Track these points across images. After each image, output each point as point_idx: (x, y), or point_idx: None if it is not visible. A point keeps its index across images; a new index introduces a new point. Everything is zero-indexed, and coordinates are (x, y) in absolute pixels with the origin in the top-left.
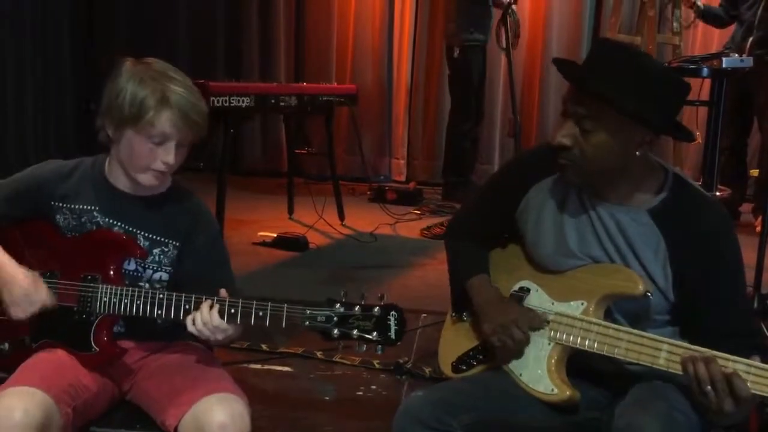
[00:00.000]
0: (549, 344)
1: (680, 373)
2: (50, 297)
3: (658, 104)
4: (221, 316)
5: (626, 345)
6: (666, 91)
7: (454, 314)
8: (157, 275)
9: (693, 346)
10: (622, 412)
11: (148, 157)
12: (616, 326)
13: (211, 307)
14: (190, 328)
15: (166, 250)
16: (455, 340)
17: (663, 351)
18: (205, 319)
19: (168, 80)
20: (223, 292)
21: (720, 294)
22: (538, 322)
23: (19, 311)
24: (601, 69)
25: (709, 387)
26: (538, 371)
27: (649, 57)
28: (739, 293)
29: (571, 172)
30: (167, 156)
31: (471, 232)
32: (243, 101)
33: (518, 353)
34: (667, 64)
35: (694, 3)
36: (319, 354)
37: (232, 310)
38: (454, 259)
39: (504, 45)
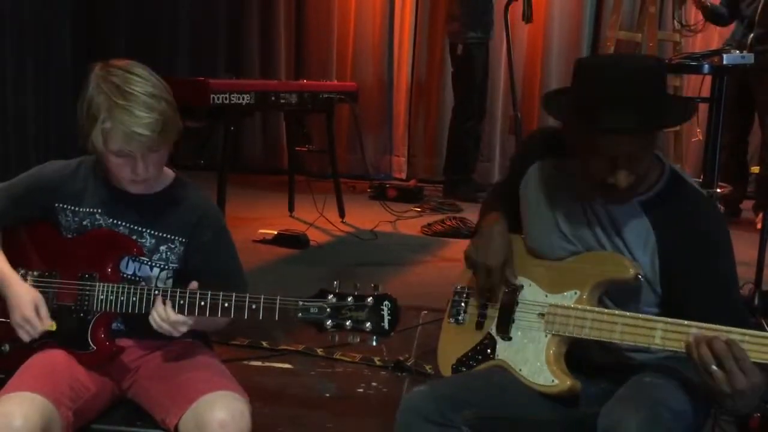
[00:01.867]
0: (546, 336)
1: (677, 350)
2: (49, 323)
3: (669, 101)
4: (214, 310)
5: (621, 329)
6: (663, 83)
7: (450, 318)
8: (164, 273)
9: (687, 322)
10: (605, 410)
11: (121, 170)
12: (609, 311)
13: (164, 302)
14: (153, 325)
15: (172, 246)
16: (454, 342)
17: (658, 330)
18: (161, 314)
19: (117, 94)
20: (193, 284)
21: (710, 290)
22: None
23: (24, 334)
24: (625, 99)
25: (714, 366)
26: (537, 364)
27: (632, 60)
28: (730, 290)
29: (630, 193)
30: (136, 168)
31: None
32: (243, 99)
33: (492, 296)
34: (668, 60)
35: (705, 4)
36: (319, 351)
37: (226, 304)
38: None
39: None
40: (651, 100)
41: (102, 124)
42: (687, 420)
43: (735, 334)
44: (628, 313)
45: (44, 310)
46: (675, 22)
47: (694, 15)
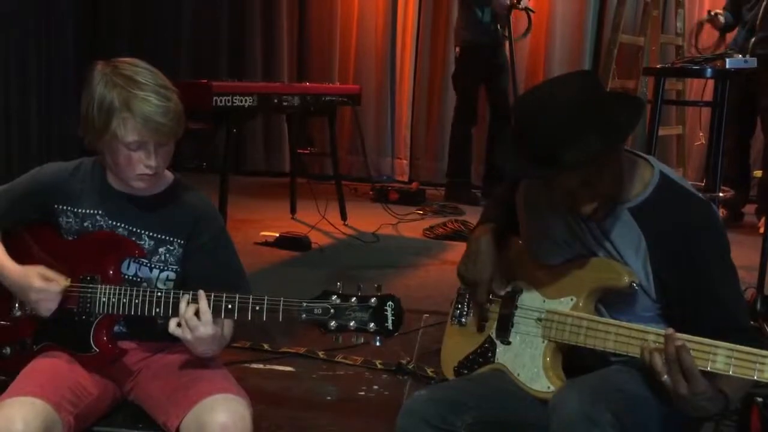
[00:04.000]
0: (543, 342)
1: None
2: (63, 280)
3: (612, 120)
4: (217, 312)
5: (615, 338)
6: (605, 100)
7: (453, 319)
8: (163, 275)
9: (678, 335)
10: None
11: (129, 163)
12: (605, 320)
13: (188, 302)
14: (172, 330)
15: (171, 248)
16: (456, 344)
17: (649, 342)
18: (187, 316)
19: (132, 85)
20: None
21: (705, 292)
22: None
23: (46, 305)
24: (561, 137)
25: (665, 376)
26: (534, 370)
27: (565, 89)
28: (727, 290)
29: (602, 212)
30: (148, 160)
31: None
32: (246, 101)
33: (484, 309)
34: (671, 64)
35: (719, 25)
36: (321, 354)
37: (229, 306)
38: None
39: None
40: (551, 143)
41: (120, 115)
42: (648, 408)
43: (722, 349)
44: (622, 323)
45: (51, 273)
46: (677, 23)
47: (690, 18)
